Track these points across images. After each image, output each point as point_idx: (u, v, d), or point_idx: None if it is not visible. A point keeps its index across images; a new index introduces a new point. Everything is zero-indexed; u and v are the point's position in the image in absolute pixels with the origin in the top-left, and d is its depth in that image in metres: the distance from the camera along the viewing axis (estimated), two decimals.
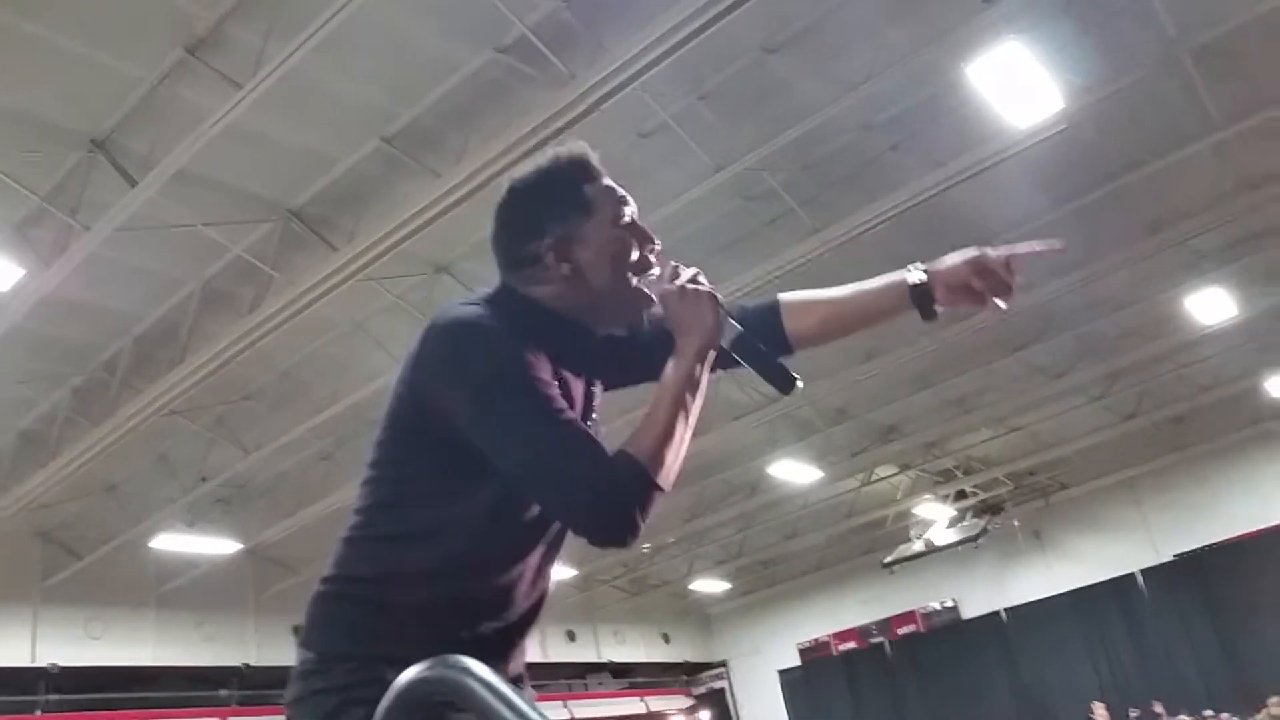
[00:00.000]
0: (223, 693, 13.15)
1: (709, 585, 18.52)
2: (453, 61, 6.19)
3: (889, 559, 16.42)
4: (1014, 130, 6.92)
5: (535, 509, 1.53)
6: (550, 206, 1.63)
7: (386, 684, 1.35)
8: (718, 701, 20.19)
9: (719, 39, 5.76)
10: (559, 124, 5.91)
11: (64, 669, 11.57)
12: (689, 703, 20.10)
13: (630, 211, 1.67)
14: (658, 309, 1.61)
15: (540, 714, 1.03)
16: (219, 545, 11.67)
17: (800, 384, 1.57)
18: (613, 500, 1.40)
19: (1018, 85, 6.49)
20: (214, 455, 9.93)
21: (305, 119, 6.34)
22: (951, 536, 15.86)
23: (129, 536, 10.87)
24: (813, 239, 7.77)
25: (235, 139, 6.01)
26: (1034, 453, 14.67)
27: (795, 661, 19.41)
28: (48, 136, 6.09)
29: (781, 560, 18.29)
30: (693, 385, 1.52)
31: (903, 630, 18.35)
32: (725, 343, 1.57)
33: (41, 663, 11.44)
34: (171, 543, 11.36)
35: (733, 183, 7.47)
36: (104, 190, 6.20)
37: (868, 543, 17.73)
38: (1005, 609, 17.26)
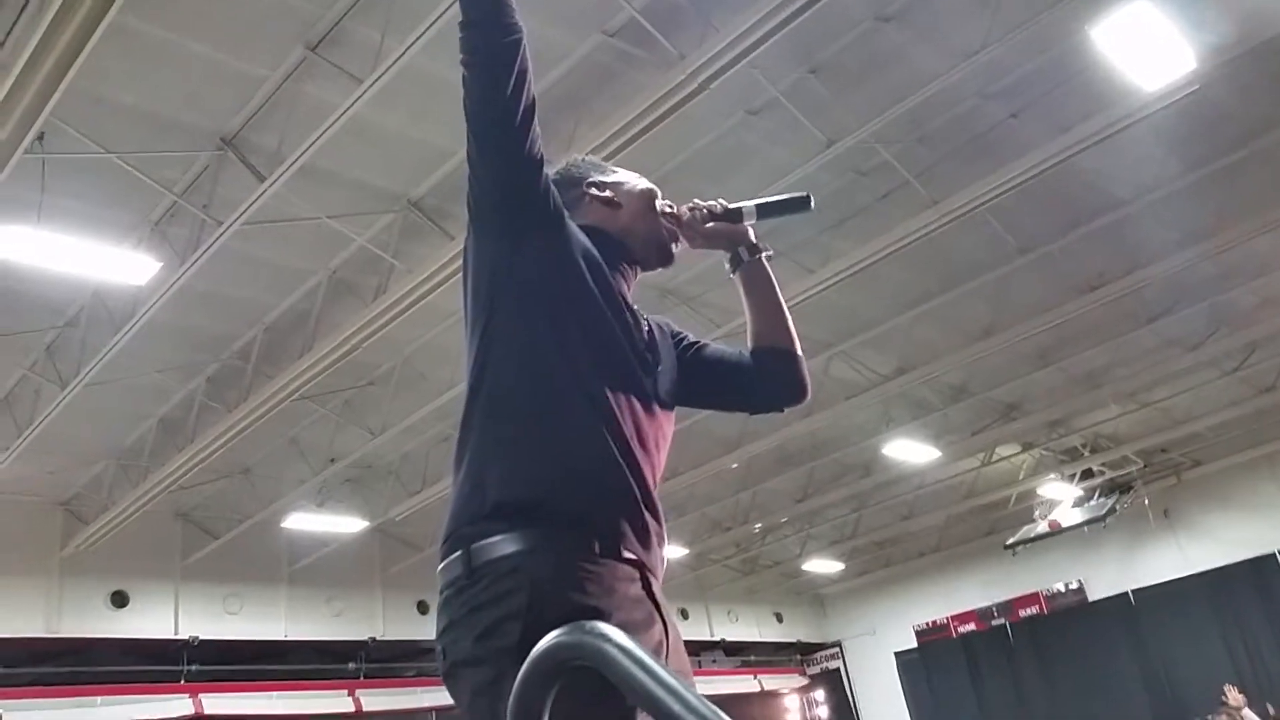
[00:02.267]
0: (351, 665, 13.68)
1: (822, 566, 18.37)
2: (562, 48, 6.22)
3: (1012, 540, 15.97)
4: (1143, 93, 6.60)
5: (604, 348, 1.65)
6: (585, 166, 1.95)
7: (535, 586, 1.40)
8: (832, 681, 20.06)
9: (829, 10, 5.66)
10: (668, 105, 5.90)
11: (204, 641, 12.21)
12: (803, 682, 20.02)
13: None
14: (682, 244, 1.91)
15: (676, 676, 1.01)
16: (347, 524, 12.11)
17: (811, 198, 1.96)
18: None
19: (1146, 46, 6.19)
20: (342, 438, 10.30)
21: (422, 111, 6.47)
22: (1078, 516, 15.32)
23: (262, 516, 11.38)
24: (929, 211, 7.57)
25: (357, 133, 6.18)
26: (1165, 429, 14.04)
27: (912, 643, 19.11)
28: (181, 136, 6.36)
29: (897, 541, 18.01)
30: None
31: (1025, 612, 17.85)
32: (751, 223, 1.96)
33: (184, 635, 12.10)
34: (302, 522, 11.85)
35: (845, 157, 7.33)
36: (234, 186, 6.46)
37: (989, 523, 17.31)
38: (1134, 590, 16.62)
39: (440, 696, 14.19)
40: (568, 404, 1.57)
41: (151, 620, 11.96)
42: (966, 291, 9.48)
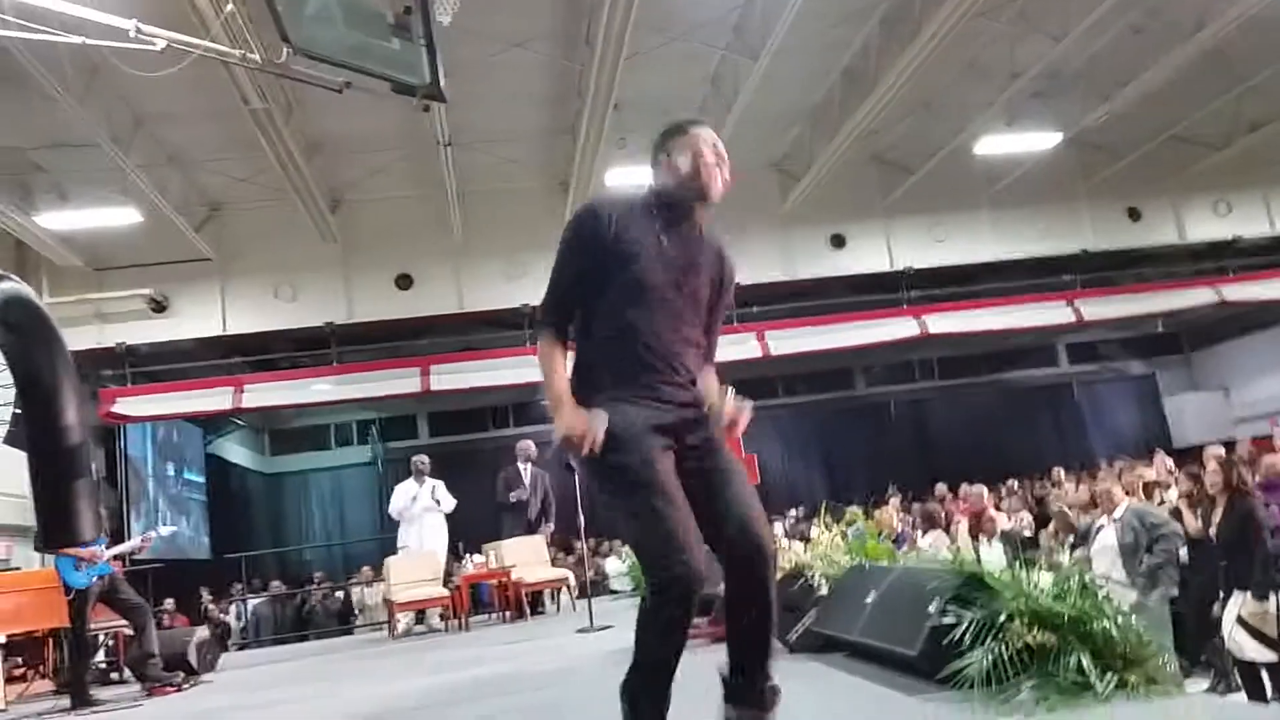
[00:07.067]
0: (1065, 277, 13.51)
1: None
2: None
3: None
4: None
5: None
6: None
7: None
8: None
9: None
10: None
11: (916, 271, 13.02)
12: None
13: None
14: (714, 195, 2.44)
15: None
16: (1040, 140, 11.66)
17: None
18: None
19: None
20: (1021, 50, 9.64)
21: None
22: None
23: (953, 145, 11.41)
24: None
25: None
26: None
27: None
28: None
29: None
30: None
31: None
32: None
33: (899, 266, 13.00)
34: (994, 145, 11.68)
35: None
36: None
37: None
38: None
39: (1156, 302, 13.31)
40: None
41: (868, 256, 13.02)
42: None
